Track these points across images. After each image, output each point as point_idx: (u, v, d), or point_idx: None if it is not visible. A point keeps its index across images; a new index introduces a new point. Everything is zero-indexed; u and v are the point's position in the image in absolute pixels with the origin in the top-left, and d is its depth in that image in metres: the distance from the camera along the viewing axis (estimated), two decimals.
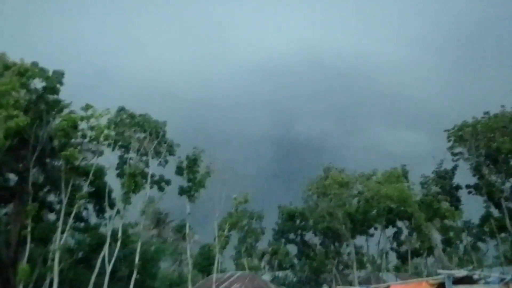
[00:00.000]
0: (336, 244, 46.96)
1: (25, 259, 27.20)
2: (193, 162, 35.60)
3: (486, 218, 38.56)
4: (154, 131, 33.57)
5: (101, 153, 32.21)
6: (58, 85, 29.81)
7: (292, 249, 51.23)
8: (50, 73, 29.60)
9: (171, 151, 34.79)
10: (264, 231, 47.70)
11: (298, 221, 48.01)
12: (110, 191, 33.28)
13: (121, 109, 32.78)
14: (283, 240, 49.79)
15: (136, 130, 33.20)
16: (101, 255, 30.64)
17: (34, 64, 29.05)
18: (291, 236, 48.93)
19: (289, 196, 50.74)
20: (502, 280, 15.66)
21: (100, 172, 32.92)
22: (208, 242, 46.43)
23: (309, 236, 48.45)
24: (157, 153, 34.19)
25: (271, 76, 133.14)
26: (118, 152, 33.31)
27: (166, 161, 34.99)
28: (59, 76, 29.78)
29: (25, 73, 27.91)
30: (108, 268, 30.37)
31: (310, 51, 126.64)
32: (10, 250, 29.01)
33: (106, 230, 32.75)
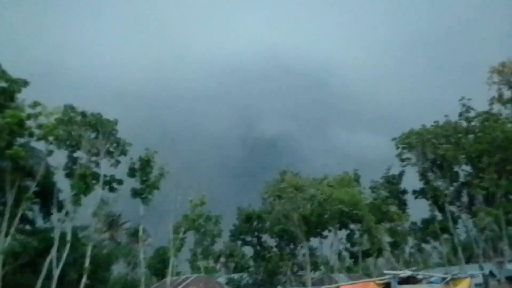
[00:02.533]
0: (291, 246, 47.81)
1: None
2: (146, 163, 35.07)
3: (430, 221, 40.71)
4: (106, 130, 32.70)
5: (49, 153, 31.08)
6: (16, 92, 28.82)
7: (249, 251, 51.67)
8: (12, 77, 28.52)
9: (123, 151, 34.01)
10: (221, 233, 47.70)
11: (255, 223, 48.43)
12: (59, 192, 32.20)
13: (70, 107, 31.62)
14: (239, 242, 50.05)
15: (87, 129, 32.19)
16: (48, 259, 29.59)
17: None
18: (248, 238, 49.29)
19: (251, 196, 50.96)
20: (443, 279, 16.71)
21: (48, 173, 31.74)
22: (163, 245, 45.82)
23: (265, 238, 49.01)
24: (109, 153, 33.36)
25: (235, 75, 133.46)
26: (66, 152, 32.18)
27: (118, 162, 34.23)
28: (22, 84, 28.82)
29: None
30: (56, 273, 29.40)
31: (275, 51, 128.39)
32: None
33: (54, 232, 31.63)
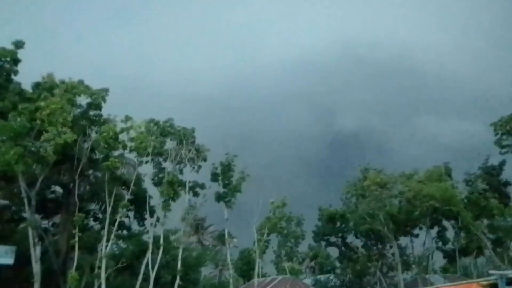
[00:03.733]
0: (379, 245, 45.73)
1: (74, 267, 28.40)
2: (227, 167, 35.94)
3: None
4: (186, 138, 34.26)
5: (140, 163, 33.24)
6: (101, 102, 31.34)
7: (334, 252, 50.47)
8: (94, 90, 31.09)
9: (203, 157, 35.30)
10: (304, 234, 47.20)
11: (338, 223, 47.22)
12: (150, 199, 34.24)
13: (152, 120, 33.84)
14: (323, 243, 49.14)
15: (167, 138, 34.09)
16: (144, 262, 31.51)
17: (80, 81, 30.73)
18: (332, 238, 48.18)
19: (333, 195, 49.62)
20: None
21: (139, 181, 33.97)
22: (248, 247, 46.55)
23: (350, 239, 47.51)
24: (190, 160, 34.78)
25: (308, 72, 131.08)
26: (154, 161, 34.22)
27: (200, 167, 35.57)
28: (103, 93, 31.36)
29: (71, 90, 29.53)
30: (152, 275, 31.17)
31: (348, 43, 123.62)
32: (59, 259, 30.55)
33: (148, 237, 33.67)
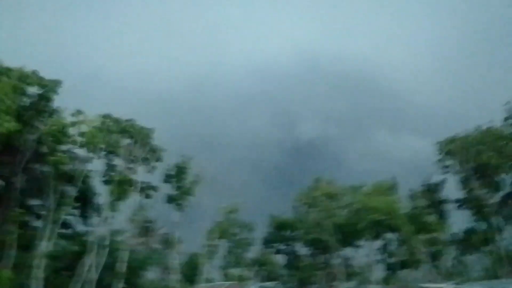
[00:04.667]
0: (325, 255, 46.98)
1: (10, 266, 26.70)
2: (181, 170, 35.50)
3: (472, 231, 38.90)
4: (141, 137, 33.40)
5: (89, 160, 31.95)
6: (53, 94, 29.84)
7: (281, 259, 51.07)
8: (46, 81, 29.55)
9: (158, 158, 34.59)
10: (254, 241, 47.55)
11: (288, 231, 47.94)
12: (97, 198, 33.02)
13: (107, 116, 32.60)
14: (272, 250, 49.60)
15: (123, 136, 33.02)
16: (86, 262, 30.23)
17: (34, 72, 29.09)
18: (281, 246, 48.81)
19: (288, 202, 50.04)
20: None
21: (87, 179, 32.63)
22: (196, 252, 46.00)
23: (298, 247, 48.38)
24: (145, 160, 33.98)
25: (272, 79, 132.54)
26: (105, 159, 33.01)
27: (154, 168, 34.82)
28: (56, 85, 29.85)
29: (25, 79, 27.88)
30: (93, 276, 29.98)
31: (313, 53, 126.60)
32: None
33: (92, 237, 32.37)
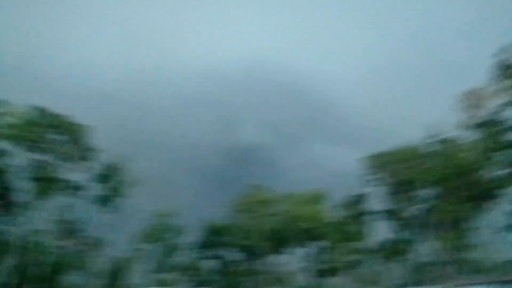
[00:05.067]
0: (255, 261, 47.68)
1: None
2: (113, 170, 34.27)
3: (391, 241, 41.79)
4: (74, 134, 31.82)
5: (13, 154, 29.83)
6: None
7: (213, 264, 50.87)
8: None
9: (92, 157, 33.15)
10: (186, 245, 46.98)
11: (221, 237, 47.97)
12: (18, 195, 30.82)
13: (37, 108, 30.65)
14: (204, 256, 49.28)
15: (54, 132, 31.19)
16: (3, 263, 28.09)
17: None
18: (212, 251, 48.71)
19: (224, 208, 49.85)
20: None
21: (8, 174, 30.36)
22: (124, 255, 44.42)
23: (230, 253, 48.55)
24: (77, 158, 32.40)
25: (216, 83, 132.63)
26: (30, 153, 30.96)
27: (87, 167, 33.29)
28: None
29: None
30: (9, 279, 27.92)
31: (256, 62, 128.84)
32: None
33: (10, 237, 30.13)
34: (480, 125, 32.63)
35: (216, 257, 48.31)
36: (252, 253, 45.86)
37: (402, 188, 38.00)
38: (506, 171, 31.71)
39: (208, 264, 48.96)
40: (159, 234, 38.56)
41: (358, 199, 43.49)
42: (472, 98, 32.75)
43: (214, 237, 47.22)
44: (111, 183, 34.14)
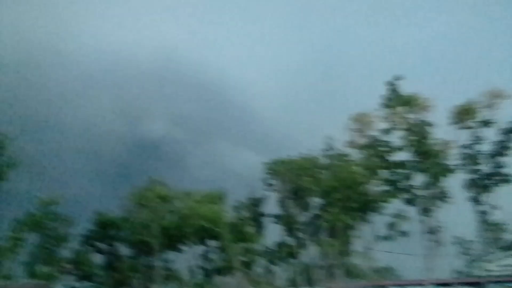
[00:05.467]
0: (147, 257, 46.43)
1: None
2: None
3: (281, 245, 43.80)
4: None
5: None
6: None
7: (101, 259, 48.29)
8: None
9: None
10: (70, 236, 43.96)
11: (112, 230, 45.78)
12: None
13: None
14: (91, 249, 46.55)
15: None
16: None
17: None
18: (101, 245, 46.29)
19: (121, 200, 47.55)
20: None
21: None
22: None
23: (121, 247, 46.58)
24: None
25: (123, 71, 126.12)
26: None
27: None
28: None
29: None
30: None
31: (171, 57, 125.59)
32: None
33: None
34: (367, 146, 36.06)
35: (105, 251, 46.00)
36: (145, 249, 44.58)
37: (295, 194, 39.96)
38: (386, 187, 35.21)
39: (96, 258, 46.41)
40: (42, 222, 35.48)
41: (256, 202, 44.84)
42: (361, 120, 36.01)
43: (105, 230, 44.96)
44: None
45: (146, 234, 40.13)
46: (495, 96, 32.29)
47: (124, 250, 46.29)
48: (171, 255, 46.60)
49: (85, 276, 46.85)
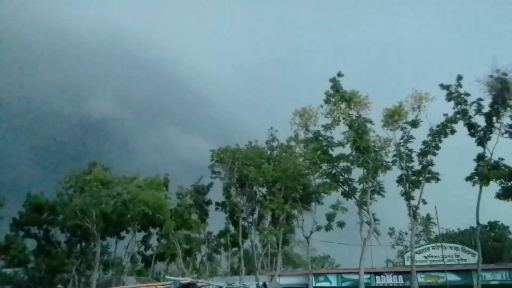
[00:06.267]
0: (83, 243, 44.88)
1: None
2: None
3: (224, 233, 44.04)
4: None
5: None
6: None
7: (32, 244, 45.94)
8: None
9: None
10: (1, 220, 41.43)
11: (45, 214, 43.60)
12: None
13: None
14: (22, 233, 44.09)
15: None
16: None
17: None
18: (34, 229, 44.02)
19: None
20: (220, 287, 18.29)
21: None
22: None
23: (54, 232, 44.57)
24: None
25: (67, 48, 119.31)
26: None
27: None
28: None
29: None
30: None
31: (122, 35, 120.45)
32: None
33: None
34: (310, 140, 37.10)
35: (38, 237, 43.77)
36: (82, 235, 43.00)
37: (240, 183, 40.21)
38: (325, 180, 36.49)
39: (26, 243, 44.04)
40: None
41: (201, 189, 44.63)
42: (303, 115, 36.94)
43: (39, 214, 42.71)
44: None
45: (83, 219, 38.53)
46: (421, 99, 34.51)
47: (59, 235, 44.40)
48: (111, 241, 45.45)
49: (16, 262, 44.40)
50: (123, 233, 43.63)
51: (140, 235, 44.64)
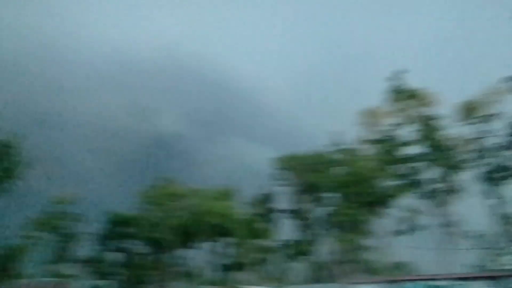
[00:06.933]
0: (162, 254, 46.84)
1: None
2: (5, 148, 30.99)
3: (297, 240, 43.57)
4: None
5: None
6: None
7: (117, 257, 48.96)
8: None
9: None
10: (87, 236, 44.68)
11: (127, 228, 46.31)
12: None
13: None
14: (107, 247, 47.20)
15: None
16: None
17: None
18: (117, 243, 46.89)
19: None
20: None
21: None
22: (15, 243, 41.01)
23: (136, 245, 47.09)
24: None
25: (129, 70, 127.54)
26: None
27: None
28: None
29: None
30: None
31: (180, 52, 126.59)
32: None
33: None
34: (376, 141, 35.56)
35: (120, 250, 46.53)
36: (159, 246, 44.95)
37: (307, 190, 39.67)
38: (397, 182, 34.69)
39: (111, 257, 47.00)
40: (56, 221, 36.03)
41: (267, 198, 44.71)
42: (369, 116, 35.52)
43: (120, 228, 45.47)
44: (3, 163, 31.01)
45: (159, 231, 40.38)
46: (497, 92, 31.51)
47: (139, 248, 46.78)
48: (185, 252, 46.92)
49: (102, 274, 47.54)
50: (196, 244, 44.78)
51: (213, 245, 45.55)
